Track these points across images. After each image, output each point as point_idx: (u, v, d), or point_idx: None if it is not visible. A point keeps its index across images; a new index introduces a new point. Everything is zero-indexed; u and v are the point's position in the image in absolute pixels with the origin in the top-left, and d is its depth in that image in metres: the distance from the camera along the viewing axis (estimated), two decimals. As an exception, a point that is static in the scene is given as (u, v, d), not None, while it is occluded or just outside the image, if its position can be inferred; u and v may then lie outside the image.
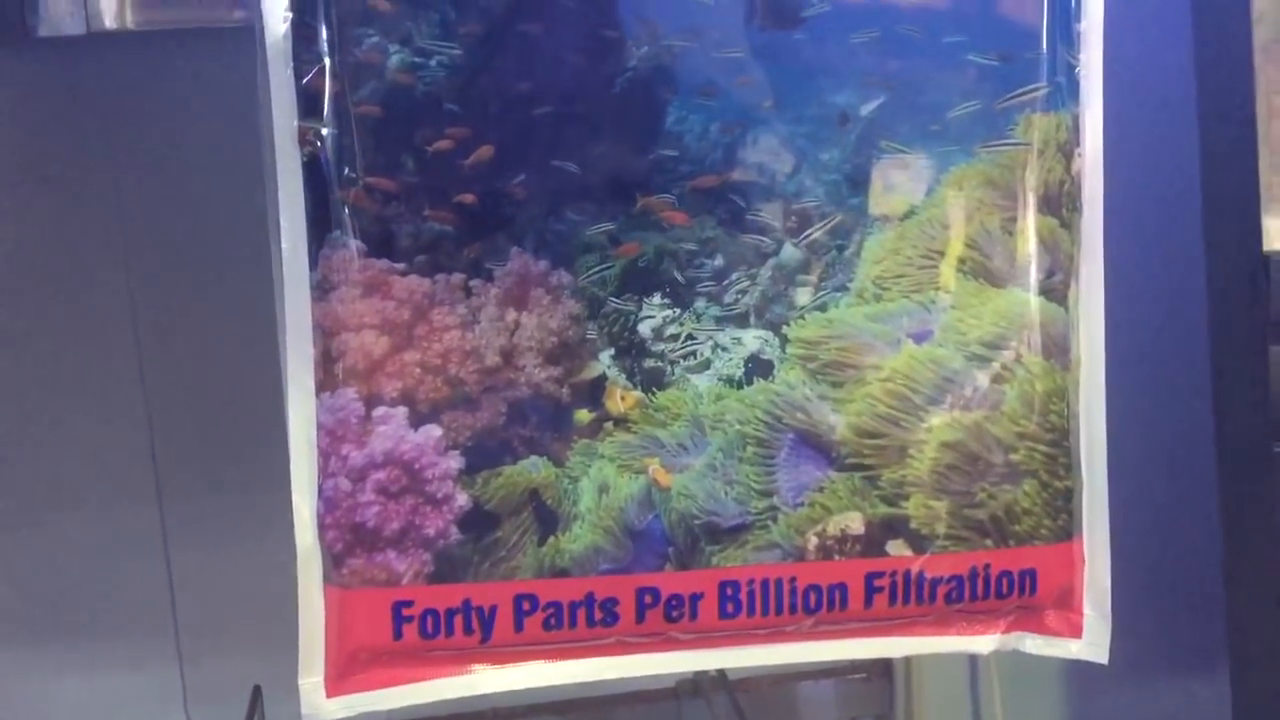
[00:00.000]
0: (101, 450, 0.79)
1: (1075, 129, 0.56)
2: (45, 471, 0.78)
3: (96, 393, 0.78)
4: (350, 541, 0.53)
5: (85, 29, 0.71)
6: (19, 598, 0.79)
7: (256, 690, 0.70)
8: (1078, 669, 0.65)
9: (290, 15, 0.51)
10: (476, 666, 0.55)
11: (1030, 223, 0.56)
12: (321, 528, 0.53)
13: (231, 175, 0.72)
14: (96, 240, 0.76)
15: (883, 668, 0.86)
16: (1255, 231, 0.69)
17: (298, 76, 0.52)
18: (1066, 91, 0.56)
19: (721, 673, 0.77)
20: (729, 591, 0.55)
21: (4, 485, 0.78)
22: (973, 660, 0.89)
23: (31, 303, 0.76)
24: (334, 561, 0.53)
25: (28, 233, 0.75)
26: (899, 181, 0.55)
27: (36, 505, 0.78)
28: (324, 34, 0.52)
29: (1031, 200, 0.56)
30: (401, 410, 0.53)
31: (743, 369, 0.55)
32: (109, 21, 0.72)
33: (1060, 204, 0.56)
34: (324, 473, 0.53)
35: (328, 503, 0.53)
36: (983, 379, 0.56)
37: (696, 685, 0.79)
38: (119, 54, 0.73)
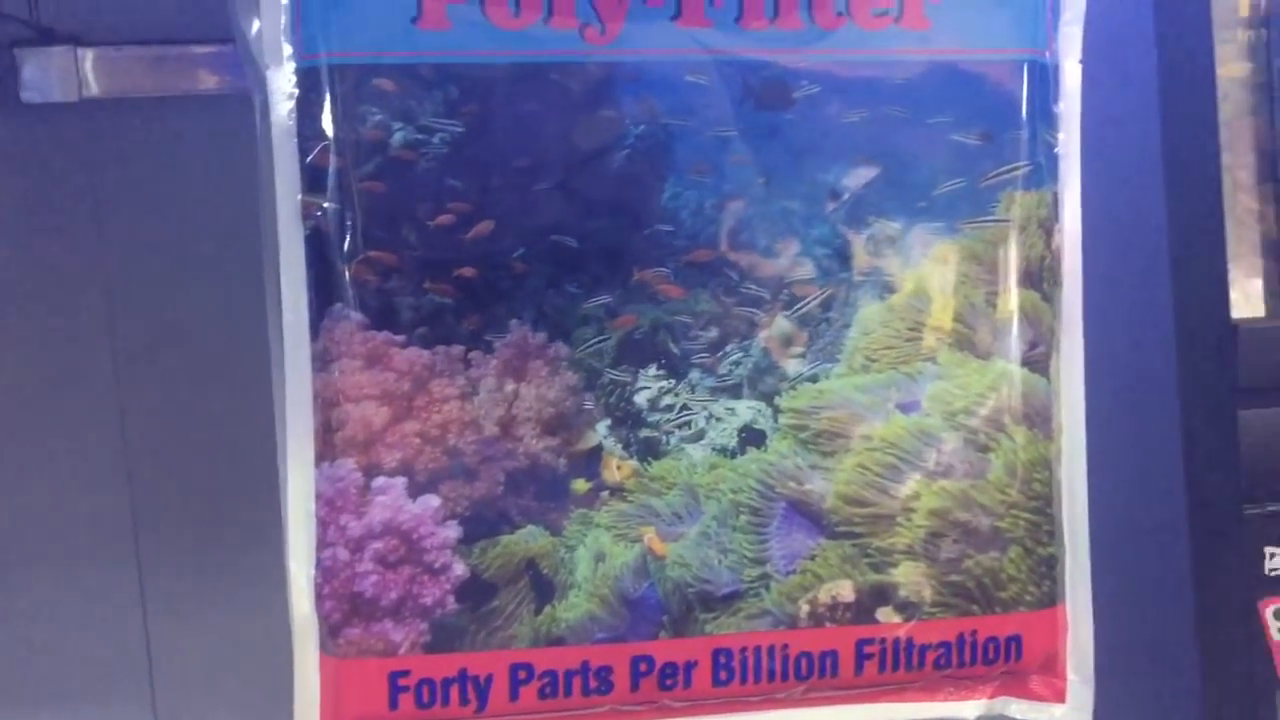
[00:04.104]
0: (79, 509, 0.78)
1: (1055, 206, 0.58)
2: (20, 530, 0.77)
3: (75, 450, 0.77)
4: (348, 611, 0.53)
5: (77, 95, 0.72)
6: (-10, 659, 0.78)
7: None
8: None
9: (296, 93, 0.52)
10: (471, 736, 0.55)
11: (1013, 296, 0.58)
12: (319, 597, 0.54)
13: (222, 241, 0.73)
14: (81, 302, 0.76)
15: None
16: (1223, 300, 0.72)
17: (302, 153, 0.53)
18: (1046, 170, 0.58)
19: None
20: (722, 659, 0.56)
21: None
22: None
23: (12, 360, 0.76)
24: (330, 631, 0.54)
25: (10, 296, 0.75)
26: (887, 256, 0.57)
27: (9, 564, 0.77)
28: (328, 112, 0.53)
29: (1014, 275, 0.58)
30: (400, 480, 0.53)
31: (736, 439, 0.56)
32: (99, 88, 0.73)
33: (1041, 278, 0.58)
34: (322, 542, 0.53)
35: (326, 572, 0.53)
36: (968, 448, 0.57)
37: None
38: (108, 120, 0.74)
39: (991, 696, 0.59)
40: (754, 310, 0.56)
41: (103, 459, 0.77)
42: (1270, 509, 0.72)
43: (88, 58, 0.72)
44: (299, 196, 0.53)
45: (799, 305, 0.56)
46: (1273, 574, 0.72)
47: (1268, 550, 0.72)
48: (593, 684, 0.55)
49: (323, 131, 0.53)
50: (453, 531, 0.54)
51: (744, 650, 0.56)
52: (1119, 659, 0.63)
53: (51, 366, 0.76)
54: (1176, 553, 0.72)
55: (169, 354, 0.76)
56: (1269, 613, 0.72)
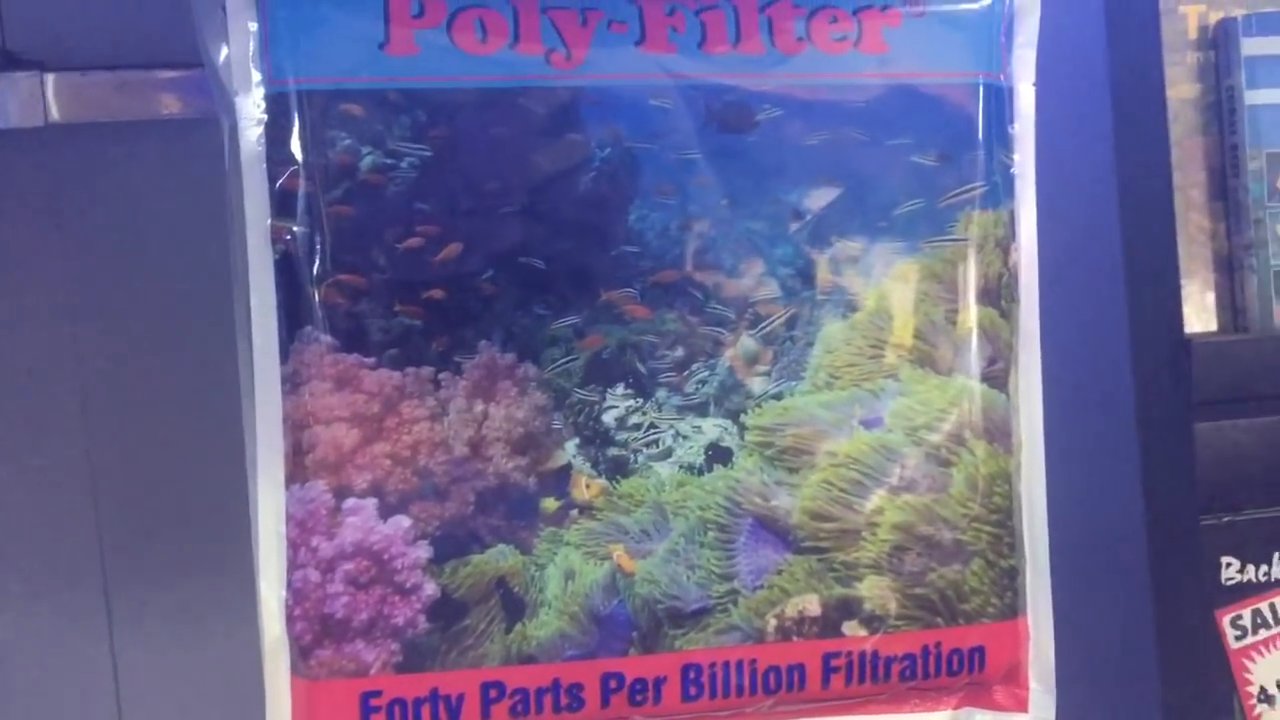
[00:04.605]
0: (44, 532, 0.77)
1: (1011, 225, 0.60)
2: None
3: (40, 473, 0.77)
4: (319, 632, 0.54)
5: (43, 120, 0.72)
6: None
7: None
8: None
9: (264, 118, 0.53)
10: (443, 755, 0.55)
11: (972, 313, 0.59)
12: (290, 619, 0.54)
13: (190, 266, 0.73)
14: (47, 328, 0.76)
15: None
16: (1176, 316, 0.73)
17: (271, 178, 0.53)
18: (1003, 190, 0.59)
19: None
20: (691, 675, 0.56)
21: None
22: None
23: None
24: (301, 653, 0.54)
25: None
26: (849, 275, 0.58)
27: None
28: (297, 137, 0.53)
29: (972, 292, 0.59)
30: (371, 501, 0.54)
31: (703, 456, 0.57)
32: (63, 113, 0.73)
33: (999, 295, 0.60)
34: (293, 564, 0.54)
35: (296, 594, 0.54)
36: (930, 463, 0.58)
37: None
38: (73, 146, 0.74)
39: (956, 707, 0.60)
40: (719, 329, 0.57)
41: (69, 482, 0.77)
42: (1226, 519, 0.73)
43: (52, 83, 0.72)
44: (268, 221, 0.53)
45: (763, 324, 0.57)
46: (1230, 583, 0.74)
47: (1224, 560, 0.74)
48: (564, 701, 0.55)
49: (292, 156, 0.53)
50: (423, 551, 0.54)
51: (713, 665, 0.56)
52: (1080, 668, 0.64)
53: (15, 391, 0.76)
54: (1135, 563, 0.74)
55: (136, 378, 0.76)
56: (1226, 621, 0.74)
